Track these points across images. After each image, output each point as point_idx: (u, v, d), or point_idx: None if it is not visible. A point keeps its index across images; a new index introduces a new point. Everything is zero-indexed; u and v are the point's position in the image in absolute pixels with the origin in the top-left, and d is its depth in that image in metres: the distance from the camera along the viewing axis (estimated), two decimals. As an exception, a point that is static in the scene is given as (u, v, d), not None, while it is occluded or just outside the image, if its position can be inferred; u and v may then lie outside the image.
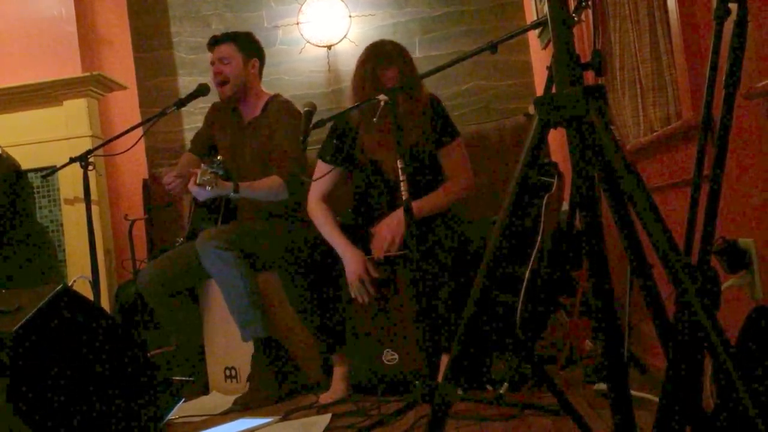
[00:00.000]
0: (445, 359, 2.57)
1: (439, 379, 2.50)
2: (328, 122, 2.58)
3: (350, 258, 2.66)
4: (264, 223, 3.15)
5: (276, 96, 3.33)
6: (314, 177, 2.84)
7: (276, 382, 2.86)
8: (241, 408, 2.75)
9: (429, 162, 2.76)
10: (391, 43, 2.78)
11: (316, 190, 2.85)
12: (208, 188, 2.78)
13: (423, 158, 2.75)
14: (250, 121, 3.29)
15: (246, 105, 3.31)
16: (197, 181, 2.78)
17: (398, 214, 2.61)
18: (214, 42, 3.27)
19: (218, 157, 2.84)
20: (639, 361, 2.45)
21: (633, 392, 1.75)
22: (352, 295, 2.68)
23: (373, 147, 2.73)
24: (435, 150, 2.75)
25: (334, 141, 2.82)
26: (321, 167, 2.85)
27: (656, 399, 1.87)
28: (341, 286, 2.73)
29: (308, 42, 4.46)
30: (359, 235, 2.78)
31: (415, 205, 2.49)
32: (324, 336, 2.75)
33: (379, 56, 2.67)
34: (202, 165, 2.82)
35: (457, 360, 1.20)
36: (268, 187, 3.08)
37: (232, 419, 2.62)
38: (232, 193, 2.93)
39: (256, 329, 2.90)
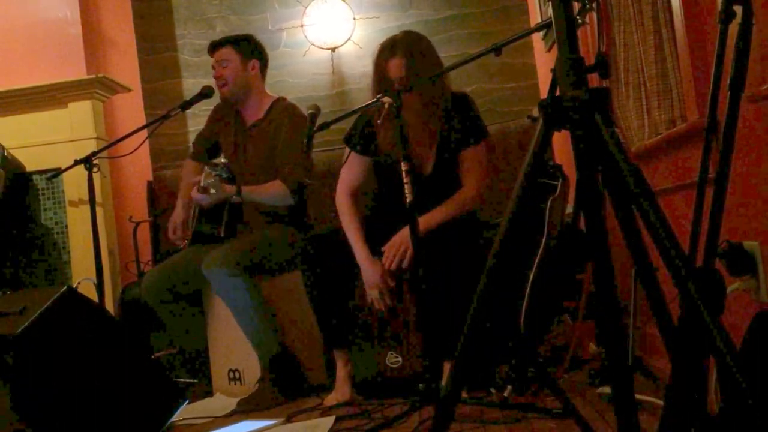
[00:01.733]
0: (448, 366, 2.56)
1: (443, 383, 2.50)
2: (332, 125, 2.58)
3: (368, 268, 2.64)
4: (267, 230, 3.14)
5: (280, 99, 3.32)
6: (343, 163, 2.80)
7: (284, 388, 2.85)
8: (245, 410, 2.75)
9: (454, 160, 2.70)
10: (405, 33, 2.75)
11: (346, 181, 2.79)
12: (212, 191, 2.77)
13: (448, 156, 2.69)
14: (253, 124, 3.29)
15: (248, 107, 3.31)
16: (201, 184, 2.77)
17: (404, 233, 2.56)
18: (214, 47, 3.29)
19: (222, 160, 2.84)
20: (643, 364, 2.44)
21: (637, 396, 1.75)
22: (369, 302, 2.66)
23: (389, 144, 2.69)
24: (456, 151, 2.70)
25: (363, 130, 2.76)
26: (354, 158, 2.77)
27: (661, 402, 1.87)
28: (353, 290, 2.73)
29: (312, 44, 4.47)
30: (379, 229, 2.76)
31: (421, 221, 2.46)
32: (328, 331, 2.74)
33: (385, 48, 2.65)
34: (206, 168, 2.82)
35: (461, 362, 1.20)
36: (272, 192, 3.09)
37: (235, 421, 2.62)
38: (234, 197, 2.93)
39: (271, 348, 2.90)
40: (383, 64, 2.62)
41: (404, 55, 2.60)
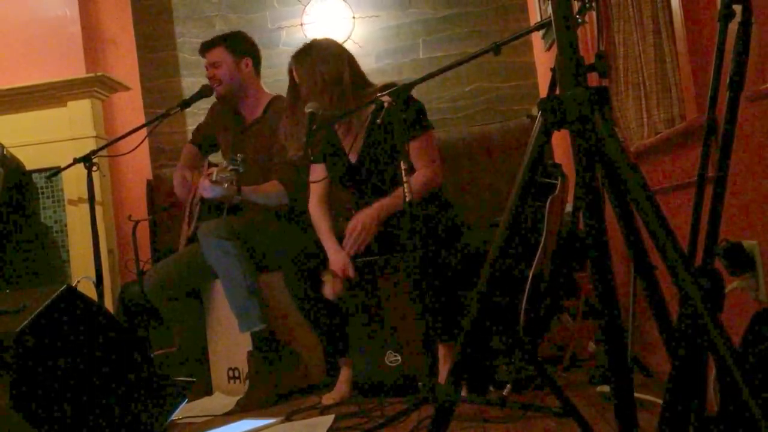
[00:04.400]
0: (441, 349, 2.58)
1: (439, 371, 2.51)
2: (331, 124, 2.60)
3: (333, 256, 2.71)
4: (267, 220, 3.15)
5: (278, 97, 3.33)
6: (311, 179, 2.88)
7: (275, 381, 2.85)
8: (243, 410, 2.75)
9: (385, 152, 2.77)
10: (311, 42, 2.93)
11: (314, 193, 2.89)
12: (226, 185, 2.78)
13: (377, 147, 2.78)
14: (251, 123, 3.30)
15: (246, 105, 3.32)
16: (214, 178, 2.78)
17: (375, 207, 2.67)
18: (205, 48, 3.31)
19: (239, 155, 2.84)
20: (642, 363, 2.45)
21: (636, 394, 1.75)
22: (324, 289, 2.68)
23: (341, 135, 2.85)
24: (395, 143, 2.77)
25: (310, 142, 2.86)
26: (314, 168, 2.90)
27: (660, 401, 1.87)
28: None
29: (312, 43, 4.47)
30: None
31: (384, 204, 2.66)
32: (330, 340, 2.75)
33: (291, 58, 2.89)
34: (223, 162, 2.83)
35: (461, 361, 1.20)
36: (269, 193, 3.10)
37: (235, 420, 2.62)
38: (235, 197, 2.94)
39: (254, 320, 2.89)
40: (290, 74, 2.87)
41: (298, 64, 2.82)
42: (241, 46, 3.29)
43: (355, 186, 2.88)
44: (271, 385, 2.84)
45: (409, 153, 2.74)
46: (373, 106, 2.48)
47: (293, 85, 2.85)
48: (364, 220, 2.67)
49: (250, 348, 2.92)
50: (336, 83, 2.72)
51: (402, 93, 2.37)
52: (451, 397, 1.19)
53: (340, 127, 2.85)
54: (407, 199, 2.36)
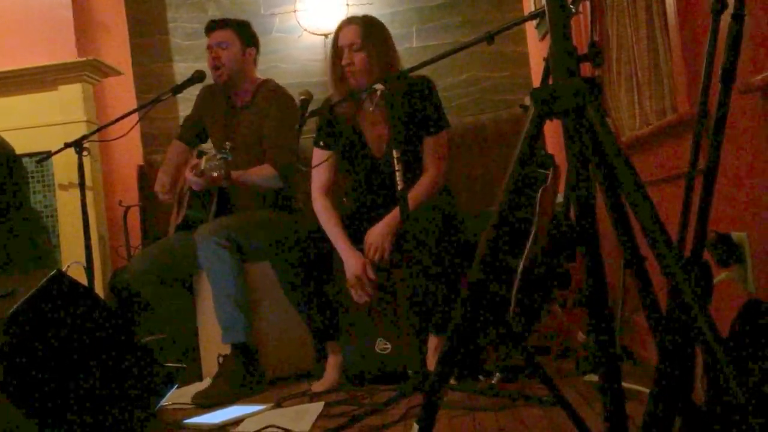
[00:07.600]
0: (433, 340, 2.58)
1: (428, 361, 2.52)
2: (324, 110, 2.59)
3: (350, 260, 2.65)
4: (261, 214, 3.13)
5: (266, 81, 3.30)
6: (312, 164, 2.83)
7: (241, 385, 2.82)
8: (199, 403, 2.69)
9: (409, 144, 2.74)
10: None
11: (318, 181, 2.82)
12: (215, 173, 2.76)
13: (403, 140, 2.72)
14: (241, 107, 3.28)
15: (239, 91, 3.29)
16: (203, 166, 2.77)
17: (385, 222, 2.63)
18: (213, 27, 3.24)
19: (227, 144, 2.82)
20: (631, 353, 2.46)
21: (625, 384, 1.76)
22: (353, 297, 2.65)
23: (366, 128, 2.80)
24: (416, 137, 2.75)
25: (323, 127, 2.84)
26: (317, 154, 2.84)
27: (648, 391, 1.88)
28: (338, 282, 2.73)
29: (305, 30, 4.45)
30: (358, 226, 2.78)
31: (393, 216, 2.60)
32: (318, 326, 2.75)
33: (342, 21, 2.78)
34: (213, 150, 2.82)
35: (451, 350, 1.20)
36: (261, 176, 3.08)
37: (224, 406, 2.62)
38: (224, 182, 2.93)
39: (238, 334, 2.86)
40: (337, 33, 2.73)
41: (360, 24, 2.71)
42: (249, 35, 3.27)
43: (376, 183, 2.83)
44: (234, 387, 2.80)
45: (423, 146, 2.75)
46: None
47: (335, 47, 2.75)
48: (375, 240, 2.62)
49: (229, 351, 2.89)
50: (388, 67, 2.69)
51: (399, 80, 2.38)
52: (440, 385, 1.20)
53: (364, 119, 2.80)
54: (399, 188, 2.36)
